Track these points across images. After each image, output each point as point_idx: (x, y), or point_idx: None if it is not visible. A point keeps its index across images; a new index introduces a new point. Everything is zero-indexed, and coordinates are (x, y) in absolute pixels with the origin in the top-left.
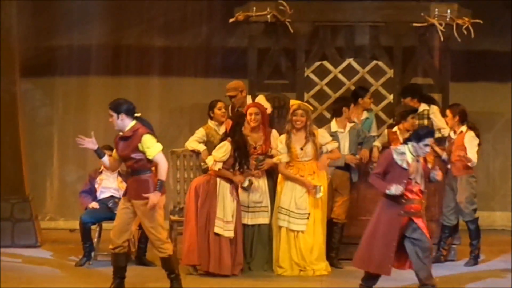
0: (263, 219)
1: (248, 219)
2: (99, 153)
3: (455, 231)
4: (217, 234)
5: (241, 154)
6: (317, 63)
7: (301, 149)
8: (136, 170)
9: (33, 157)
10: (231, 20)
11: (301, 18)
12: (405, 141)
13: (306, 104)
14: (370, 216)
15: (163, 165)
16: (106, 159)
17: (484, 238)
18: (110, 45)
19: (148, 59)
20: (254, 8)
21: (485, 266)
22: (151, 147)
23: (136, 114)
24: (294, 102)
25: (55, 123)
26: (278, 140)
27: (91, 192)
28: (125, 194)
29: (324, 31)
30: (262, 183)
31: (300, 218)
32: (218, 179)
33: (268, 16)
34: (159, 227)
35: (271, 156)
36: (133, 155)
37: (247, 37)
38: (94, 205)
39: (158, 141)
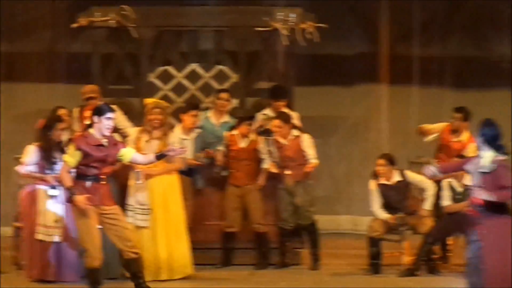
0: None
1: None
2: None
3: (297, 234)
4: (41, 241)
5: (47, 156)
6: (161, 68)
7: (146, 141)
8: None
9: None
10: (74, 25)
11: (144, 23)
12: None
13: (162, 102)
14: (216, 221)
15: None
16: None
17: (329, 242)
18: None
19: None
20: (98, 14)
21: (330, 270)
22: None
23: None
24: (149, 101)
25: None
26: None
27: None
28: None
29: (168, 36)
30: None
31: (142, 213)
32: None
33: (111, 21)
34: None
35: None
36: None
37: (91, 42)
38: None
39: None
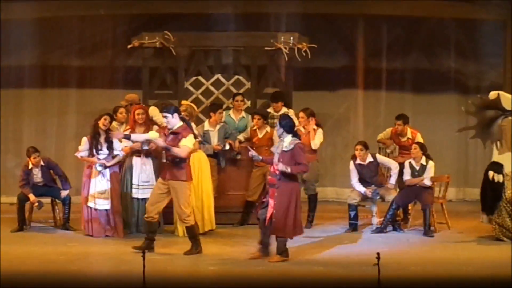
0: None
1: (138, 194)
2: (168, 148)
3: None
4: (89, 207)
5: (94, 143)
6: (194, 78)
7: None
8: (174, 157)
9: None
10: (129, 46)
11: (181, 44)
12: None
13: (192, 105)
14: (235, 191)
15: (182, 151)
16: (176, 149)
17: (318, 208)
18: (38, 65)
19: (67, 75)
20: (146, 37)
21: (319, 229)
22: (187, 141)
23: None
24: (184, 103)
25: None
26: None
27: (28, 181)
28: (163, 176)
29: (199, 54)
30: (148, 168)
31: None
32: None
33: (157, 43)
34: (186, 203)
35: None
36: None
37: (141, 58)
38: (34, 200)
39: (193, 139)
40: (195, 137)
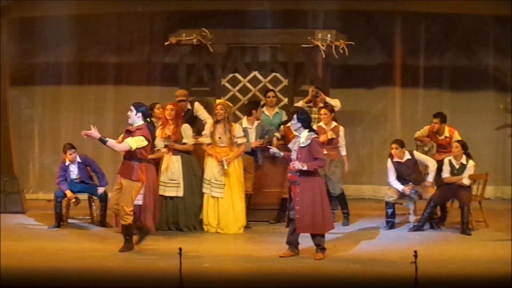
0: (176, 192)
1: (165, 192)
2: (103, 140)
3: (332, 200)
4: None
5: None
6: (231, 75)
7: (219, 138)
8: (128, 157)
9: (19, 146)
10: (166, 43)
11: (218, 41)
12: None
13: (227, 102)
14: (272, 189)
15: (119, 145)
16: (111, 143)
17: (355, 205)
18: (76, 62)
19: (105, 72)
20: (184, 34)
21: (356, 226)
22: (132, 140)
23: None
24: (219, 101)
25: (36, 120)
26: (207, 125)
27: (65, 178)
28: (118, 172)
29: (236, 51)
30: (176, 166)
31: (217, 187)
32: None
33: (194, 40)
34: (128, 202)
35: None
36: None
37: (179, 55)
38: (71, 196)
39: (144, 141)
40: (150, 141)
